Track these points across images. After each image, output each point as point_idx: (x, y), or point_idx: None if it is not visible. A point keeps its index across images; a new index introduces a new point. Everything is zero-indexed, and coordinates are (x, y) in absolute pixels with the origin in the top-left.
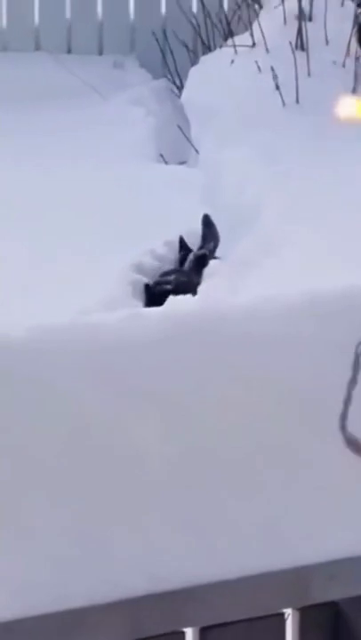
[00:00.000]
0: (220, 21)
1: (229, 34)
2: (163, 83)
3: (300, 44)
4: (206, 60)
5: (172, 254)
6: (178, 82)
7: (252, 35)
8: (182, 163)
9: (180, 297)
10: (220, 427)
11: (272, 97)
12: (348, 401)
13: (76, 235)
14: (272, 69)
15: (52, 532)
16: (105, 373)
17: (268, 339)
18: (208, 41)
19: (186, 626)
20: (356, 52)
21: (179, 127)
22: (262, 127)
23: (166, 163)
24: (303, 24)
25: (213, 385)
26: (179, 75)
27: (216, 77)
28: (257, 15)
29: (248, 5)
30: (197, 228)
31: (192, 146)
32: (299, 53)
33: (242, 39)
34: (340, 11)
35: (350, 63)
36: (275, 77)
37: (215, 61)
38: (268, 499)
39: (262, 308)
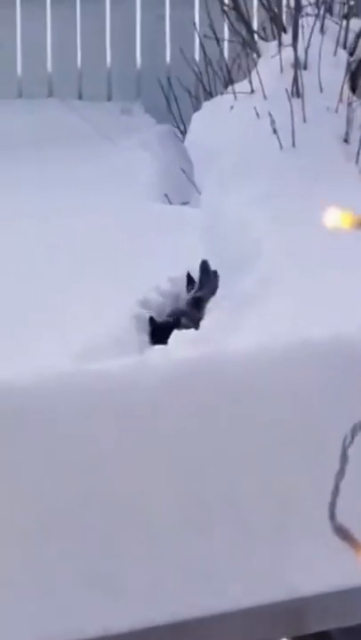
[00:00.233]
0: (221, 69)
1: (230, 81)
2: (167, 127)
3: (296, 90)
4: (208, 106)
5: (176, 290)
6: (181, 126)
7: (250, 82)
8: (186, 203)
9: (184, 331)
10: (220, 468)
11: (270, 141)
12: (335, 492)
13: (82, 270)
14: (270, 115)
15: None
16: (109, 418)
17: (265, 385)
18: (210, 88)
19: None
20: (349, 99)
21: (182, 169)
22: (260, 169)
23: (171, 203)
24: (299, 72)
25: (214, 428)
26: (182, 119)
27: (217, 122)
28: (255, 64)
29: (247, 54)
30: (197, 265)
31: (195, 187)
32: (295, 100)
33: (241, 86)
34: (334, 59)
35: (343, 109)
36: (272, 122)
37: (216, 107)
38: (267, 537)
39: (259, 355)
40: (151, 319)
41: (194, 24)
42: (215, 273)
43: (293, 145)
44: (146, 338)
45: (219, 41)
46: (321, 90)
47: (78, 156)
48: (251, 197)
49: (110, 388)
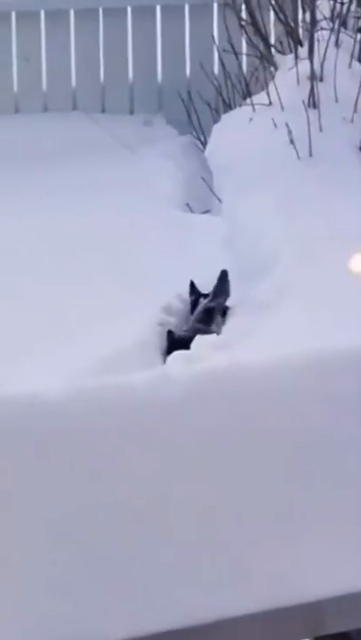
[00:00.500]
0: (240, 82)
1: (248, 93)
2: (188, 138)
3: (313, 102)
4: (227, 118)
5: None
6: (202, 137)
7: (268, 94)
8: (207, 211)
9: (206, 336)
10: (241, 480)
11: (287, 151)
12: None
13: (106, 278)
14: (287, 125)
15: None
16: (133, 431)
17: (284, 397)
18: (229, 100)
19: None
20: None
21: (203, 179)
22: (278, 178)
23: (192, 211)
24: (315, 84)
25: (235, 441)
26: (202, 131)
27: (236, 133)
28: (273, 76)
29: (265, 68)
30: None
31: (215, 196)
32: (311, 111)
33: (259, 98)
34: (349, 71)
35: (358, 119)
36: (289, 133)
37: (235, 119)
38: (285, 544)
39: (278, 368)
40: (169, 333)
41: (213, 38)
42: (227, 280)
43: (310, 154)
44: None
45: (237, 55)
46: (336, 100)
47: (102, 167)
48: (269, 206)
49: (135, 399)
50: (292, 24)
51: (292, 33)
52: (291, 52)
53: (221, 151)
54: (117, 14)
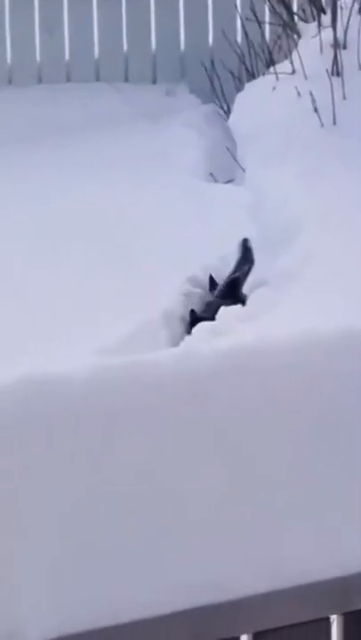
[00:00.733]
0: (263, 51)
1: (271, 62)
2: (211, 107)
3: (336, 70)
4: (251, 87)
5: (225, 268)
6: (225, 106)
7: (291, 62)
8: (230, 181)
9: (231, 308)
10: (267, 455)
11: (311, 119)
12: None
13: (132, 249)
14: (310, 94)
15: (121, 550)
16: (159, 407)
17: (311, 374)
18: (252, 69)
19: (242, 632)
20: None
21: (227, 148)
22: (302, 147)
23: (216, 181)
24: (338, 52)
25: (262, 415)
26: (226, 100)
27: (260, 102)
28: (296, 45)
29: (288, 36)
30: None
31: (239, 165)
32: (334, 79)
33: (282, 67)
34: None
35: None
36: (313, 101)
37: (259, 87)
38: (315, 520)
39: (304, 344)
40: (192, 312)
41: (235, 7)
42: (249, 247)
43: (334, 123)
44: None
45: (260, 23)
46: (360, 68)
47: (125, 137)
48: (292, 175)
49: (164, 376)
50: None
51: (314, 1)
52: (314, 19)
53: (245, 120)
54: None
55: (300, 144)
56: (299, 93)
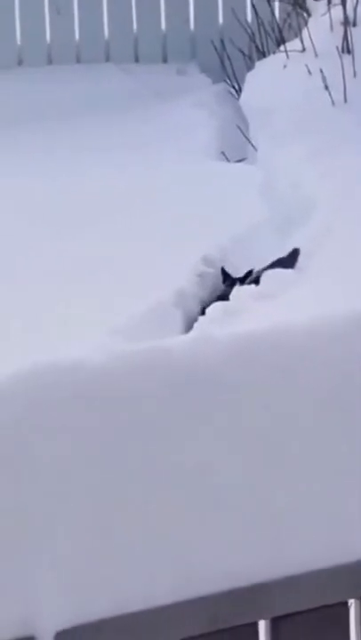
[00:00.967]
0: (273, 29)
1: (281, 40)
2: (222, 86)
3: (346, 47)
4: (261, 65)
5: (239, 248)
6: (236, 85)
7: (301, 41)
8: (242, 160)
9: (245, 287)
10: (283, 439)
11: (322, 97)
12: None
13: (144, 229)
14: (321, 72)
15: (136, 537)
16: (178, 395)
17: (328, 360)
18: (262, 47)
19: (259, 617)
20: None
21: (238, 127)
22: (314, 124)
23: (228, 160)
24: (348, 29)
25: (279, 402)
26: (236, 79)
27: (270, 80)
28: (306, 23)
29: (297, 14)
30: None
31: (250, 144)
32: (345, 56)
33: (293, 45)
34: None
35: None
36: (324, 79)
37: (269, 66)
38: (332, 501)
39: (321, 328)
40: (223, 270)
41: None
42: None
43: (345, 100)
44: (206, 295)
45: (270, 1)
46: None
47: (136, 117)
48: (303, 153)
49: (180, 362)
50: None
51: None
52: None
53: (256, 99)
54: None
55: (312, 122)
56: (309, 71)
